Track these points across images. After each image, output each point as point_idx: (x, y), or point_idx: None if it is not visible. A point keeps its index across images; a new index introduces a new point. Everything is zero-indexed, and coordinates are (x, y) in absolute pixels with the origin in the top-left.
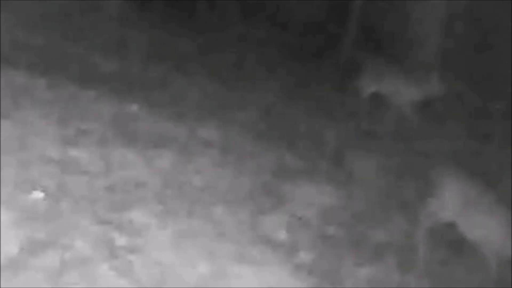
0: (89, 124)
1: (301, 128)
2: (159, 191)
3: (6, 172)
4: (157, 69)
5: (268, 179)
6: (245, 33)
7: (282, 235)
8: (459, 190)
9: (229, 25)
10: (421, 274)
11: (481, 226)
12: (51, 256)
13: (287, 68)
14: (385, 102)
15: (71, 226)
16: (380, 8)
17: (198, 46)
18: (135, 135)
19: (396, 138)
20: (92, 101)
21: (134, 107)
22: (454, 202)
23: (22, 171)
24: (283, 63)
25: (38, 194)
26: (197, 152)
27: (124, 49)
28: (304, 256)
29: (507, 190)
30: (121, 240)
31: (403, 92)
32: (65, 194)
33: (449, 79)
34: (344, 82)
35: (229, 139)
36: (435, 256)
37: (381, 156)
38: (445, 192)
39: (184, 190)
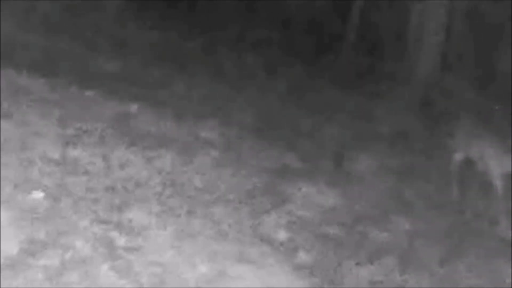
0: (89, 124)
1: (301, 128)
2: (159, 191)
3: (6, 172)
4: (157, 69)
5: (268, 179)
6: (245, 33)
7: (282, 235)
8: None
9: (229, 25)
10: (421, 274)
11: None
12: (51, 256)
13: (287, 68)
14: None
15: (71, 226)
16: (380, 8)
17: (198, 46)
18: (135, 135)
19: (396, 138)
20: (92, 101)
21: (134, 107)
22: None
23: (22, 171)
24: (283, 63)
25: (38, 194)
26: (197, 152)
27: (124, 49)
28: (304, 256)
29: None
30: (121, 240)
31: None
32: (65, 194)
33: (449, 79)
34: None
35: (229, 139)
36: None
37: (381, 156)
38: None
39: (184, 190)
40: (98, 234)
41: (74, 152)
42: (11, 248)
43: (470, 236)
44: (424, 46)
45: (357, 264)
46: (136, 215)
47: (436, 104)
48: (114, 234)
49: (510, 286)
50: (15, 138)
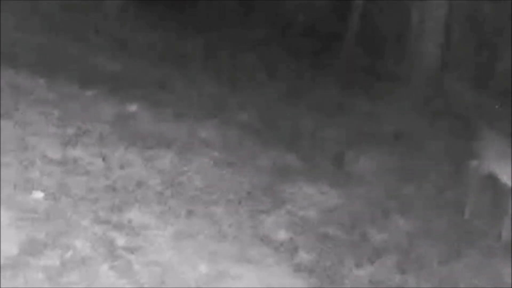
0: (89, 124)
1: (301, 128)
2: (159, 191)
3: (6, 172)
4: (157, 69)
5: (268, 179)
6: (245, 33)
7: (282, 235)
8: None
9: (229, 25)
10: (421, 274)
11: None
12: (51, 256)
13: (287, 68)
14: None
15: (71, 226)
16: (380, 8)
17: (198, 46)
18: (135, 135)
19: (397, 138)
20: (92, 101)
21: (134, 107)
22: None
23: (22, 171)
24: (283, 63)
25: (38, 194)
26: (197, 152)
27: (124, 49)
28: (304, 256)
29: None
30: (121, 240)
31: None
32: (65, 194)
33: (449, 79)
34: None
35: (229, 139)
36: None
37: (381, 156)
38: None
39: (184, 190)
40: (98, 234)
41: (74, 152)
42: (11, 248)
43: (470, 236)
44: (424, 46)
45: (357, 264)
46: (136, 215)
47: (436, 104)
48: (114, 234)
49: (510, 286)
50: (15, 138)
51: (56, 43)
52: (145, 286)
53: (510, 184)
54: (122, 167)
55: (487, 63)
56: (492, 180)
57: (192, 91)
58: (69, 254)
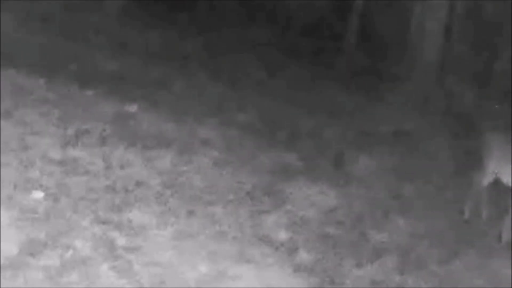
0: (89, 124)
1: (301, 128)
2: (159, 191)
3: (6, 172)
4: (157, 69)
5: (268, 179)
6: (245, 33)
7: (282, 235)
8: None
9: (229, 25)
10: (421, 274)
11: None
12: (51, 256)
13: (287, 69)
14: None
15: (71, 226)
16: (380, 8)
17: (198, 46)
18: (135, 135)
19: (397, 138)
20: (92, 101)
21: (134, 107)
22: None
23: (22, 171)
24: (283, 64)
25: (38, 194)
26: (197, 152)
27: (124, 49)
28: (304, 256)
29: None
30: (121, 240)
31: None
32: (65, 194)
33: (449, 79)
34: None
35: (229, 139)
36: None
37: (381, 156)
38: None
39: (184, 190)
40: (98, 234)
41: (74, 152)
42: (11, 248)
43: (470, 236)
44: (424, 46)
45: (357, 264)
46: (136, 215)
47: (436, 104)
48: (114, 234)
49: (510, 286)
50: (15, 138)
51: (56, 43)
52: (145, 286)
53: (510, 184)
54: (122, 167)
55: (487, 63)
56: (492, 180)
57: (192, 91)
58: (69, 254)
